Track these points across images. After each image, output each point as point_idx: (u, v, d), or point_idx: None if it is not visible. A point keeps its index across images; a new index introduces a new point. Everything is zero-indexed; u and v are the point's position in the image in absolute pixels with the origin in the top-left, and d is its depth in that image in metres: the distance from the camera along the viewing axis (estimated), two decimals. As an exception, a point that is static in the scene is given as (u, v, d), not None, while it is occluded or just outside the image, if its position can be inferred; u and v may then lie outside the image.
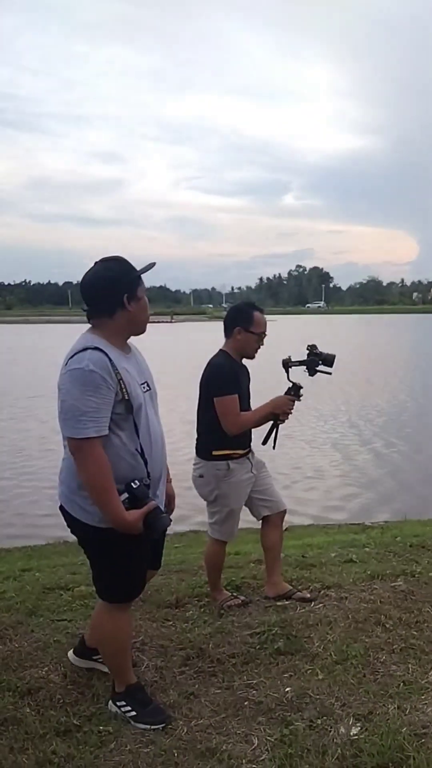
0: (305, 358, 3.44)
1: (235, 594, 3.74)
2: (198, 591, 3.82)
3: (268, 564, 3.78)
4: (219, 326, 3.60)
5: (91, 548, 2.56)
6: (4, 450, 11.22)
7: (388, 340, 43.34)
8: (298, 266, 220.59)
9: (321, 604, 3.57)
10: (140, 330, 2.54)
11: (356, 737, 2.40)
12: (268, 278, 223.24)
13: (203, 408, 3.48)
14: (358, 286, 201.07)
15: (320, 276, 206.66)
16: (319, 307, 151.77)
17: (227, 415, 3.38)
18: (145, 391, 2.51)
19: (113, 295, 2.40)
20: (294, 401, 3.45)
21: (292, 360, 3.43)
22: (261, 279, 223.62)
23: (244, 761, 2.30)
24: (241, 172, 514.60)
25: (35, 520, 7.30)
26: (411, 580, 3.89)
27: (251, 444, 3.61)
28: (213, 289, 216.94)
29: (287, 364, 3.42)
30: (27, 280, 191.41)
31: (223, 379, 3.41)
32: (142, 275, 2.47)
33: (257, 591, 3.83)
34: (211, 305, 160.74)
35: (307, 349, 3.46)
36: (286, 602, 3.62)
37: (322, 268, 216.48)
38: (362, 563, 4.26)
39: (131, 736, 2.47)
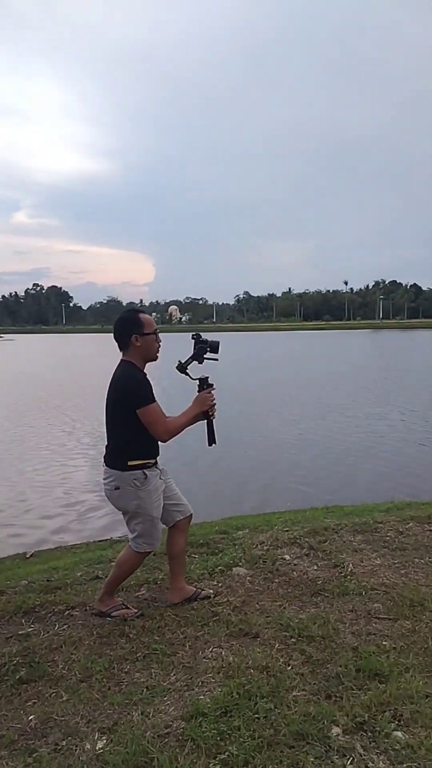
0: (192, 351, 3.53)
1: (126, 604, 3.70)
2: None
3: (174, 570, 3.76)
4: None
5: None
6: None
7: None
8: (36, 285, 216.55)
9: (66, 626, 3.53)
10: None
11: (102, 751, 2.41)
12: (4, 296, 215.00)
13: (118, 420, 3.39)
14: (98, 305, 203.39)
15: (59, 295, 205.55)
16: None
17: (157, 423, 3.36)
18: None
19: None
20: (211, 391, 3.55)
21: (183, 362, 3.50)
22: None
23: (-15, 804, 2.18)
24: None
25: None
26: (153, 587, 4.04)
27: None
28: None
29: (183, 368, 3.50)
30: None
31: (142, 388, 3.35)
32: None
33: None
34: None
35: (192, 337, 3.55)
36: (30, 629, 3.51)
37: (60, 287, 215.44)
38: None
39: None
